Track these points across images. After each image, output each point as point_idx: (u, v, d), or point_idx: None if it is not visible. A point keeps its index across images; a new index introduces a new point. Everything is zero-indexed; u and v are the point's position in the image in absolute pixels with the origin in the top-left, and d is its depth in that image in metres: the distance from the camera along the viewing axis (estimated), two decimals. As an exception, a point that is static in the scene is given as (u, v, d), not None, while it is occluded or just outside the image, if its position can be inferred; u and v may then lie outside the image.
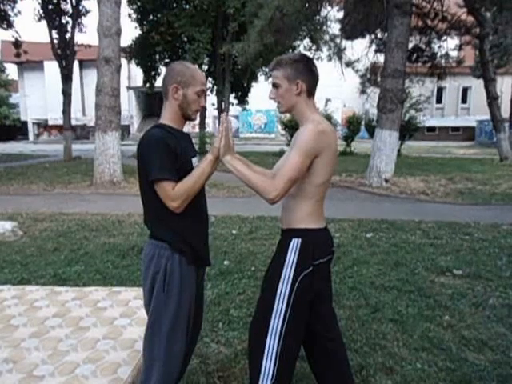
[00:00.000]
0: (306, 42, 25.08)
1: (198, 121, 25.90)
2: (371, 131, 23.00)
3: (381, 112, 13.47)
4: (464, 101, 45.01)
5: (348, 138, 26.52)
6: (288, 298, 2.48)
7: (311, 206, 2.54)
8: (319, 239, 2.59)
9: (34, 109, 48.59)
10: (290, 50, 22.04)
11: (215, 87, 27.11)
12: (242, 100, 30.75)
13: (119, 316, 3.70)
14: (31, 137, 49.80)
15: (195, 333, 2.83)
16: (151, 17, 25.32)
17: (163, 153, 2.38)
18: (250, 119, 48.64)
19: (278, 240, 2.68)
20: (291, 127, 23.25)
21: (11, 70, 51.51)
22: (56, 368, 2.92)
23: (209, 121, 39.91)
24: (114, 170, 13.73)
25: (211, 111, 29.63)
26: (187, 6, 23.46)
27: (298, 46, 24.96)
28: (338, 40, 21.01)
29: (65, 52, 22.74)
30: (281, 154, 23.15)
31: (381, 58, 19.61)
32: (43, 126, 50.08)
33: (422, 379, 3.43)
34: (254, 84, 29.96)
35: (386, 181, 13.34)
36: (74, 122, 30.67)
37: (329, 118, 22.90)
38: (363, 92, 24.22)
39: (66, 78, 22.90)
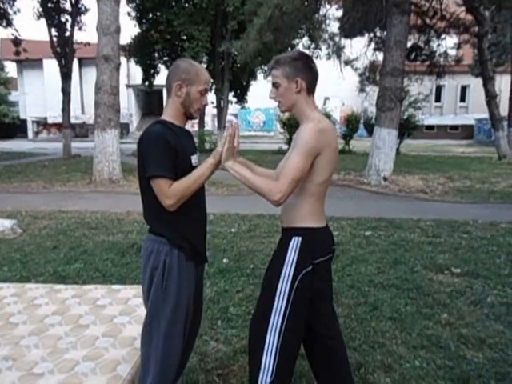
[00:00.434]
0: (305, 40, 25.06)
1: (197, 119, 25.86)
2: (370, 129, 23.00)
3: (380, 110, 13.48)
4: (463, 99, 44.96)
5: (347, 136, 26.48)
6: (288, 296, 2.48)
7: (312, 205, 2.54)
8: (320, 238, 2.59)
9: (34, 107, 48.44)
10: (289, 49, 22.00)
11: (214, 86, 27.08)
12: (241, 98, 30.71)
13: (118, 314, 3.70)
14: (30, 135, 49.65)
15: (194, 330, 2.84)
16: (150, 15, 25.27)
17: (162, 149, 2.39)
18: (248, 117, 48.58)
19: (279, 238, 2.68)
20: (290, 125, 23.23)
21: (10, 68, 51.32)
22: (55, 365, 2.92)
23: (208, 119, 39.90)
24: (113, 168, 13.74)
25: (210, 109, 29.60)
26: (186, 5, 23.44)
27: (297, 44, 24.95)
28: (336, 38, 20.98)
29: (64, 50, 22.71)
30: (279, 152, 23.28)
31: (380, 56, 19.62)
32: (42, 124, 49.95)
33: (420, 377, 3.44)
34: (252, 82, 29.95)
35: (385, 179, 13.35)
36: (73, 120, 30.64)
37: (328, 116, 22.85)
38: (362, 90, 24.20)
39: (66, 76, 22.88)
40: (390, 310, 4.63)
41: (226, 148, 2.43)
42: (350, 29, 19.23)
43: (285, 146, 23.47)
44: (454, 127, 45.27)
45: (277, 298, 2.49)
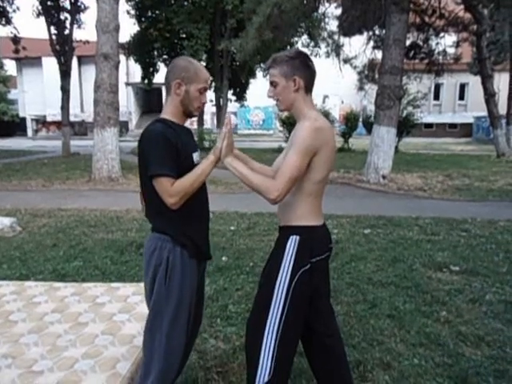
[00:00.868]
0: (304, 38, 25.10)
1: (196, 117, 25.85)
2: (369, 128, 23.00)
3: (378, 108, 13.48)
4: (461, 97, 44.94)
5: (346, 134, 26.46)
6: (286, 294, 2.48)
7: (309, 203, 2.54)
8: (317, 236, 2.60)
9: (33, 105, 48.39)
10: (288, 47, 22.04)
11: (213, 84, 27.07)
12: (240, 96, 30.72)
13: (118, 312, 3.71)
14: (30, 133, 49.58)
15: (196, 327, 2.85)
16: (149, 13, 25.27)
17: (163, 148, 2.39)
18: (248, 116, 48.50)
19: (276, 237, 2.68)
20: (289, 124, 23.19)
21: (10, 66, 51.27)
22: (55, 363, 2.93)
23: (207, 117, 39.87)
24: (112, 166, 13.74)
25: (209, 107, 29.57)
26: (185, 3, 23.43)
27: (296, 42, 24.98)
28: (335, 37, 21.01)
29: (63, 48, 22.70)
30: (279, 150, 23.20)
31: (378, 54, 19.59)
32: (42, 122, 49.89)
33: (419, 374, 3.45)
34: (252, 80, 29.96)
35: (384, 177, 13.35)
36: (72, 118, 30.57)
37: (326, 114, 22.89)
38: (361, 89, 24.20)
39: (65, 74, 22.88)
40: (388, 308, 4.64)
41: (225, 144, 2.44)
42: (348, 27, 19.22)
43: (284, 145, 23.27)
44: (453, 125, 45.25)
45: (275, 297, 2.49)
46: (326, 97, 39.64)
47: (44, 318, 3.58)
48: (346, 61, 22.57)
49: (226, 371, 3.47)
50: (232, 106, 32.52)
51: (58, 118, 30.78)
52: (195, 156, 2.60)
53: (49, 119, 48.66)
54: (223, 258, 6.22)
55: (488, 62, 21.37)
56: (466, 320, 4.38)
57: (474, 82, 33.40)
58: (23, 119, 49.65)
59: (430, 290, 5.17)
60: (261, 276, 2.73)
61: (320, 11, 18.38)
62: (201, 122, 27.34)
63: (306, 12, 16.26)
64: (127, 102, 46.07)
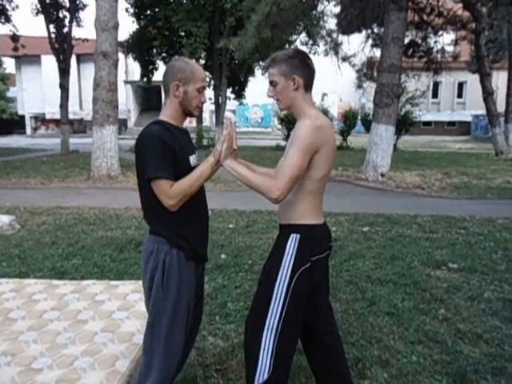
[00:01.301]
0: (303, 36, 25.04)
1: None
2: (367, 125, 23.03)
3: (377, 106, 13.48)
4: (460, 95, 44.95)
5: (344, 132, 26.48)
6: (286, 293, 2.49)
7: (310, 202, 2.54)
8: (318, 235, 2.60)
9: (32, 103, 48.32)
10: (287, 45, 22.05)
11: (212, 82, 27.02)
12: (239, 94, 30.65)
13: (117, 309, 3.71)
14: (29, 131, 49.53)
15: (195, 327, 2.86)
16: (148, 11, 25.18)
17: (160, 150, 2.39)
18: (246, 114, 48.49)
19: (277, 235, 2.69)
20: (288, 122, 23.23)
21: (9, 64, 51.22)
22: (54, 361, 2.93)
23: (206, 115, 39.85)
24: (111, 164, 13.75)
25: (208, 106, 29.55)
26: (184, 1, 23.36)
27: (295, 40, 24.94)
28: (334, 35, 21.01)
29: (62, 46, 22.64)
30: (278, 148, 23.29)
31: (377, 52, 19.62)
32: (41, 119, 49.85)
33: (417, 372, 3.45)
34: (250, 78, 29.90)
35: (382, 175, 13.36)
36: (71, 116, 30.46)
37: (325, 112, 22.87)
38: (359, 87, 24.21)
39: (64, 72, 22.84)
40: (387, 306, 4.64)
41: (225, 147, 2.44)
42: (347, 25, 19.26)
43: (283, 142, 23.43)
44: (451, 123, 45.28)
45: (274, 294, 2.50)
46: (324, 95, 39.66)
47: (43, 316, 3.59)
48: (345, 59, 22.58)
49: (225, 369, 3.47)
50: (231, 103, 32.45)
51: (57, 116, 30.73)
52: (192, 159, 2.59)
53: (48, 117, 48.59)
54: (222, 256, 6.23)
55: (486, 60, 21.41)
56: (465, 318, 4.39)
57: (473, 80, 33.36)
58: (22, 117, 49.59)
59: (428, 287, 5.18)
60: (260, 274, 2.73)
61: (319, 9, 18.44)
62: (200, 119, 27.29)
63: (305, 10, 16.27)
64: (126, 99, 46.01)
